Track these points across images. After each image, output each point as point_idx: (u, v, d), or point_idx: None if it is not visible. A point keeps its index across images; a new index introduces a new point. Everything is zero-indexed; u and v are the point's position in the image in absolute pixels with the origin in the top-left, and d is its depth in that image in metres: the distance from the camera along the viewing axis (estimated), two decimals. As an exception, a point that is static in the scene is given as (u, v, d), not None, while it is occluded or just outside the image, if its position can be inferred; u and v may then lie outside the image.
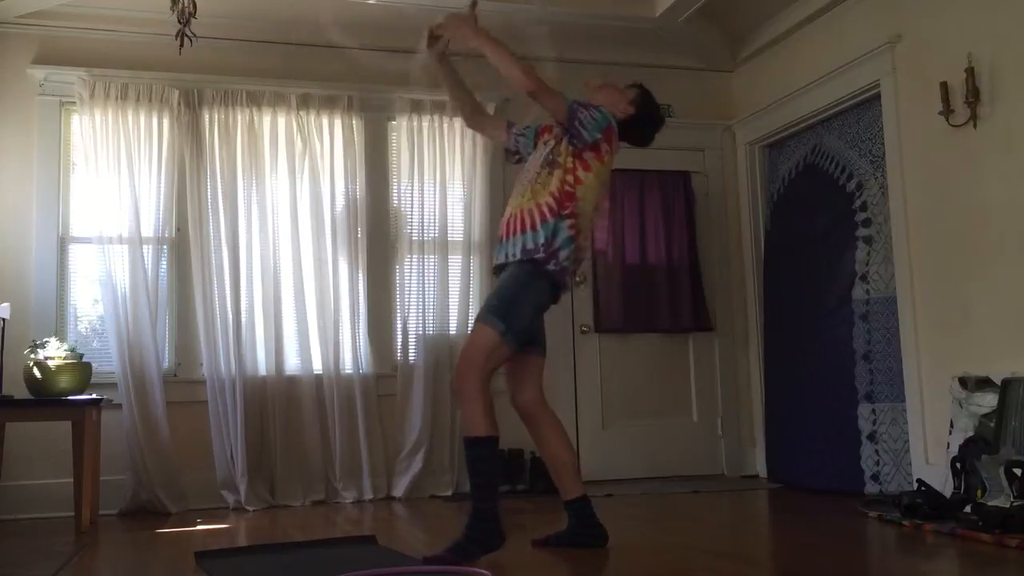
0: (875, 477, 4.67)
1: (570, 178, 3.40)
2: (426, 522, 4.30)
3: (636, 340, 5.77)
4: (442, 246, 5.38)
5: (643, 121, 3.66)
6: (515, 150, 3.76)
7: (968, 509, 3.58)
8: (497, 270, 3.51)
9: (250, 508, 4.82)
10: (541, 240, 3.34)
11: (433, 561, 3.05)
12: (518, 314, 3.29)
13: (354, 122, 5.36)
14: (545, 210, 3.37)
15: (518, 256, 3.37)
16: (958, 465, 3.89)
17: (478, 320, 3.34)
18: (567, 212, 3.37)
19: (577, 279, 5.64)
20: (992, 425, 3.84)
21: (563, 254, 3.35)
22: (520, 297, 3.31)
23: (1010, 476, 3.51)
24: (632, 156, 5.76)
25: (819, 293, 5.12)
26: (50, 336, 4.52)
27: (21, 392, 4.39)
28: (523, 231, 3.38)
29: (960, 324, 4.26)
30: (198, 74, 5.11)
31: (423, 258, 5.35)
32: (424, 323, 5.31)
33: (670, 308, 5.77)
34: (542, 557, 3.23)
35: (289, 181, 5.21)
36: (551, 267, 3.35)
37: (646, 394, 5.76)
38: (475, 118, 3.86)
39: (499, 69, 3.41)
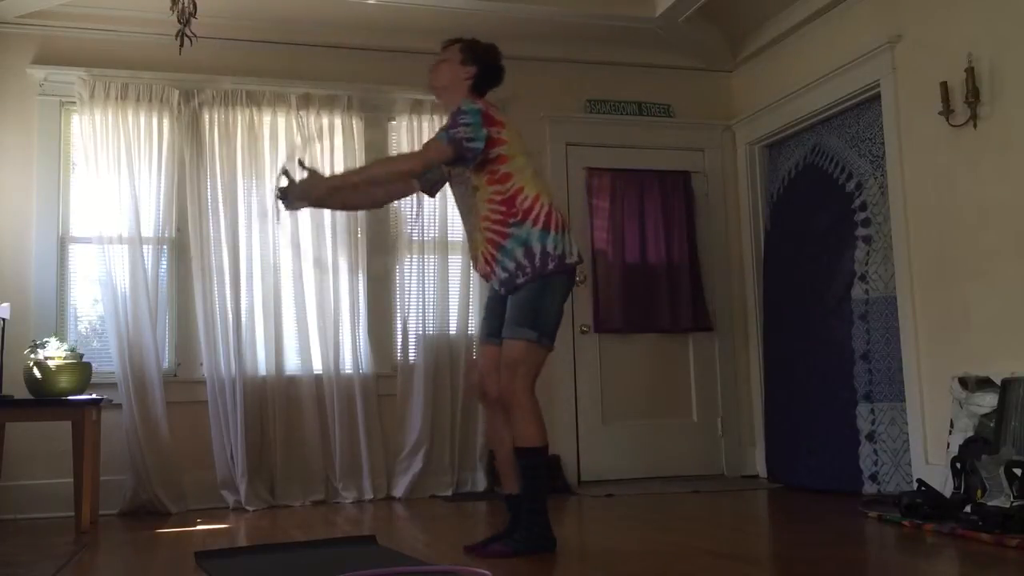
0: (873, 477, 4.67)
1: (498, 187, 3.32)
2: (426, 522, 4.30)
3: (636, 340, 5.77)
4: (442, 246, 5.38)
5: (488, 70, 3.51)
6: (430, 179, 3.58)
7: (968, 509, 3.58)
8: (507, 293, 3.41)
9: (250, 508, 4.82)
10: (513, 266, 3.29)
11: (486, 554, 3.16)
12: (546, 317, 3.29)
13: (354, 122, 5.36)
14: (495, 237, 3.32)
15: (518, 283, 3.31)
16: (958, 465, 3.89)
17: (505, 338, 3.30)
18: (517, 218, 3.30)
19: (577, 279, 5.63)
20: (992, 425, 3.84)
21: (551, 246, 3.28)
22: (541, 303, 3.29)
23: (1010, 476, 3.51)
24: (632, 156, 5.84)
25: (818, 293, 5.13)
26: (50, 336, 4.52)
27: (21, 392, 4.39)
28: (494, 260, 3.34)
29: (960, 324, 4.25)
30: (198, 74, 5.11)
31: (423, 258, 5.35)
32: (424, 323, 5.31)
33: (670, 308, 5.76)
34: (542, 557, 3.23)
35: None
36: (569, 261, 3.32)
37: (646, 394, 5.76)
38: (378, 198, 3.74)
39: (378, 179, 3.44)
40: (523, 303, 3.30)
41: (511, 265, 3.31)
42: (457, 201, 3.66)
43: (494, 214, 3.33)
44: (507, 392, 3.29)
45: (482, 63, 3.50)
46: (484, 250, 3.39)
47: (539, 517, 3.25)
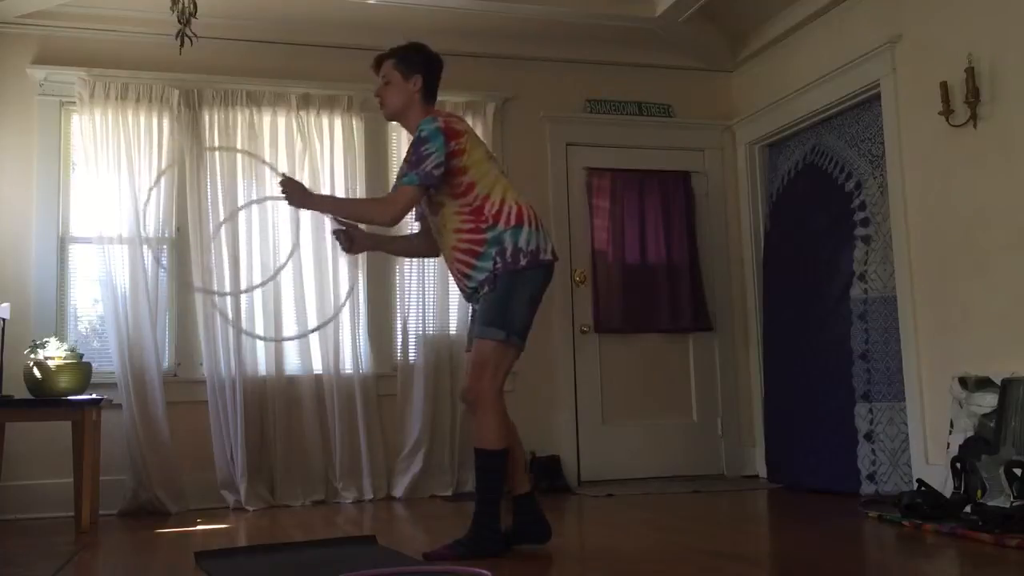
0: (871, 477, 4.66)
1: (463, 200, 3.28)
2: (426, 522, 4.30)
3: (636, 340, 5.77)
4: (442, 246, 5.37)
5: (431, 71, 3.45)
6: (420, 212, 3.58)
7: (968, 509, 3.58)
8: (470, 298, 3.41)
9: (250, 508, 4.82)
10: (490, 266, 3.24)
11: (432, 557, 3.10)
12: (514, 315, 3.23)
13: (354, 122, 5.36)
14: (473, 247, 3.26)
15: (485, 289, 3.27)
16: (958, 465, 3.89)
17: (476, 338, 3.26)
18: (489, 223, 3.25)
19: (576, 279, 5.65)
20: (992, 425, 3.84)
21: (523, 241, 3.24)
22: (510, 301, 3.23)
23: (1010, 476, 3.51)
24: (632, 156, 5.84)
25: (817, 292, 5.13)
26: (50, 336, 4.52)
27: (21, 392, 4.40)
28: (470, 270, 3.29)
29: (960, 324, 4.25)
30: (198, 74, 5.10)
31: (423, 258, 5.35)
32: (424, 323, 5.31)
33: (670, 308, 5.77)
34: (541, 557, 3.23)
35: (289, 181, 5.20)
36: (543, 258, 3.27)
37: (646, 394, 5.76)
38: (424, 249, 3.71)
39: (353, 217, 3.46)
40: (492, 301, 3.24)
41: (489, 265, 3.26)
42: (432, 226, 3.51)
43: (466, 225, 3.27)
44: (472, 391, 3.23)
45: (423, 67, 3.42)
46: (460, 263, 3.31)
47: (487, 520, 3.19)
